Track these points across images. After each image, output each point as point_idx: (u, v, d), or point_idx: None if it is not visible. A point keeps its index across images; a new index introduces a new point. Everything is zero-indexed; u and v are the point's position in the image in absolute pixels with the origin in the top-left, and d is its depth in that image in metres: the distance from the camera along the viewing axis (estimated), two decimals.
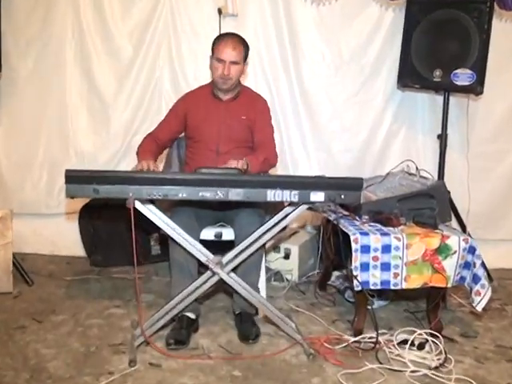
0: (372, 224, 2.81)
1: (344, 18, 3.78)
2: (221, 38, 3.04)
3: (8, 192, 3.89)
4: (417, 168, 3.24)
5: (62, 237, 4.01)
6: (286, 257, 3.59)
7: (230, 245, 2.84)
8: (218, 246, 2.99)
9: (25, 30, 3.77)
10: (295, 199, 2.47)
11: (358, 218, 2.89)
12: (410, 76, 3.52)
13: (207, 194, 2.42)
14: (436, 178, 3.39)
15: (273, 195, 2.46)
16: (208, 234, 2.92)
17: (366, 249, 2.61)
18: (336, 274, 3.50)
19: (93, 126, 3.88)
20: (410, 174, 3.31)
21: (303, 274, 3.64)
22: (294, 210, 2.56)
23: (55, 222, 3.99)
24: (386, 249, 2.62)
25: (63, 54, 3.79)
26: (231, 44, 2.98)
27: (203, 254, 2.59)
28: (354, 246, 2.60)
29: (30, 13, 3.76)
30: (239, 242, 2.68)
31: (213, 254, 2.62)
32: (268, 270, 3.50)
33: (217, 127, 3.05)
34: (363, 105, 3.87)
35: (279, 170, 3.74)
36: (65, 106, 3.85)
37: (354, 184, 2.50)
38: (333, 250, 3.15)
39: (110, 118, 3.86)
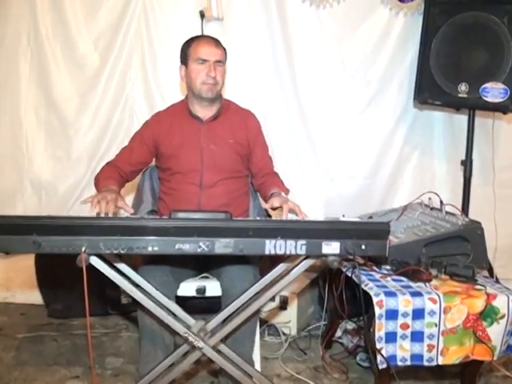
0: (396, 278, 2.23)
1: (348, 23, 3.24)
2: (198, 38, 2.51)
3: None
4: (441, 202, 2.68)
5: (17, 281, 3.39)
6: (283, 306, 2.99)
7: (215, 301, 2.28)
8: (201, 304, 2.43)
9: None
10: (302, 251, 1.88)
11: (376, 267, 2.31)
12: (430, 91, 2.97)
13: (186, 246, 1.82)
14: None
15: (273, 246, 1.86)
16: (187, 288, 2.33)
17: (392, 314, 2.03)
18: (343, 326, 2.90)
19: (51, 149, 3.28)
20: (432, 209, 2.75)
21: (303, 326, 3.04)
22: (298, 264, 1.98)
23: (10, 263, 3.34)
24: (419, 314, 2.03)
25: (16, 64, 3.21)
26: (213, 42, 2.47)
27: (182, 322, 2.00)
28: (377, 310, 2.02)
29: None
30: (227, 299, 2.11)
31: (194, 313, 2.05)
32: (261, 322, 2.89)
33: (198, 154, 2.46)
34: (370, 125, 3.34)
35: None
36: (19, 126, 3.26)
37: (379, 231, 1.92)
38: (344, 302, 2.55)
39: (71, 140, 3.27)
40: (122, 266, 2.00)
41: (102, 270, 1.89)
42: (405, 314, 2.03)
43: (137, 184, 2.70)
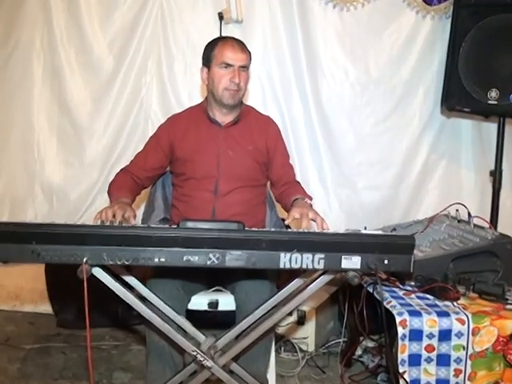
0: (420, 295, 2.08)
1: (372, 27, 3.11)
2: (223, 40, 2.37)
3: None
4: (469, 214, 2.53)
5: (27, 289, 3.30)
6: (300, 321, 2.84)
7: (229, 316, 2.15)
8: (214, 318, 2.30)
9: None
10: (320, 266, 1.74)
11: (400, 283, 2.17)
12: (458, 98, 2.83)
13: (195, 258, 1.70)
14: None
15: (288, 260, 1.73)
16: (199, 302, 2.20)
17: (417, 335, 1.87)
18: (364, 343, 2.74)
19: (63, 154, 3.17)
20: (460, 221, 2.60)
21: (321, 343, 2.89)
22: (316, 279, 1.84)
23: (20, 269, 3.23)
24: (445, 335, 1.88)
25: (30, 67, 3.12)
26: (239, 46, 2.33)
27: (191, 339, 1.87)
28: (400, 331, 1.87)
29: None
30: (242, 314, 1.98)
31: (207, 327, 1.95)
32: (277, 338, 2.75)
33: (215, 160, 2.34)
34: (395, 132, 3.19)
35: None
36: (31, 131, 3.16)
37: (403, 244, 1.77)
38: (364, 319, 2.39)
39: (84, 145, 3.16)
40: (130, 279, 1.90)
41: (106, 282, 1.78)
42: (430, 336, 1.88)
43: (148, 192, 2.58)
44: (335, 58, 3.13)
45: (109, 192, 2.30)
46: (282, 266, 1.73)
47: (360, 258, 1.75)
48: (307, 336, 2.84)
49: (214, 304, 2.21)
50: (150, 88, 3.14)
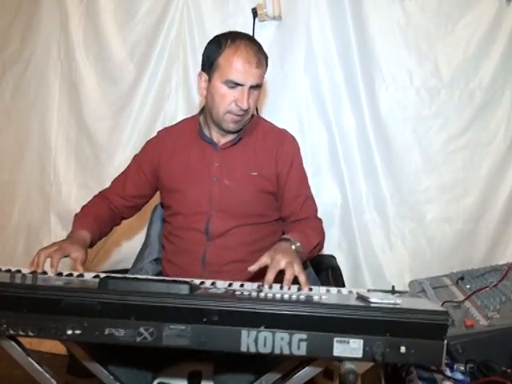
0: None
1: (443, 17, 2.50)
2: (234, 44, 1.75)
3: None
4: None
5: None
6: None
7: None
8: None
9: (1, 53, 2.86)
10: (301, 351, 1.20)
11: (448, 367, 1.53)
12: None
13: (120, 332, 1.22)
14: None
15: (253, 341, 1.21)
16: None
17: None
18: None
19: (81, 176, 2.83)
20: None
21: None
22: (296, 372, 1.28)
23: None
24: None
25: (46, 80, 2.82)
26: (254, 56, 1.74)
27: None
28: None
29: (8, 28, 2.84)
30: None
31: None
32: None
33: (206, 191, 1.83)
34: (473, 150, 2.55)
35: (334, 246, 2.56)
36: (47, 150, 2.86)
37: (429, 325, 1.18)
38: None
39: (103, 165, 2.79)
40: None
41: (14, 356, 1.34)
42: None
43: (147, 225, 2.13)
44: (396, 58, 2.55)
45: (74, 217, 1.87)
46: (243, 348, 1.20)
47: (362, 341, 1.19)
48: None
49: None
50: (174, 99, 2.72)
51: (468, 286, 1.96)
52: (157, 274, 1.96)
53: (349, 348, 1.19)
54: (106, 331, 1.22)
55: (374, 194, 2.61)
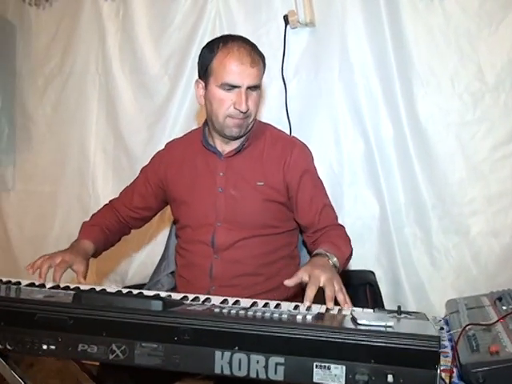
0: None
1: (486, 15, 2.30)
2: (225, 45, 1.71)
3: (19, 271, 2.93)
4: None
5: None
6: None
7: None
8: None
9: (43, 67, 2.95)
10: (278, 376, 1.11)
11: None
12: None
13: (93, 349, 1.18)
14: None
15: (227, 363, 1.13)
16: None
17: None
18: None
19: (118, 188, 2.76)
20: None
21: None
22: None
23: None
24: None
25: (85, 93, 2.87)
26: (248, 56, 1.69)
27: None
28: None
29: (49, 44, 2.92)
30: None
31: None
32: None
33: (211, 202, 1.77)
34: None
35: (373, 261, 2.44)
36: (86, 163, 2.90)
37: (418, 352, 1.05)
38: None
39: None
40: None
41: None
42: None
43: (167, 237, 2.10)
44: (436, 61, 2.38)
45: (82, 225, 1.89)
46: (217, 370, 1.12)
47: (344, 367, 1.08)
48: None
49: None
50: None
51: (504, 308, 1.77)
52: (172, 289, 1.92)
53: (330, 374, 1.08)
54: (80, 347, 1.18)
55: (415, 206, 2.44)
